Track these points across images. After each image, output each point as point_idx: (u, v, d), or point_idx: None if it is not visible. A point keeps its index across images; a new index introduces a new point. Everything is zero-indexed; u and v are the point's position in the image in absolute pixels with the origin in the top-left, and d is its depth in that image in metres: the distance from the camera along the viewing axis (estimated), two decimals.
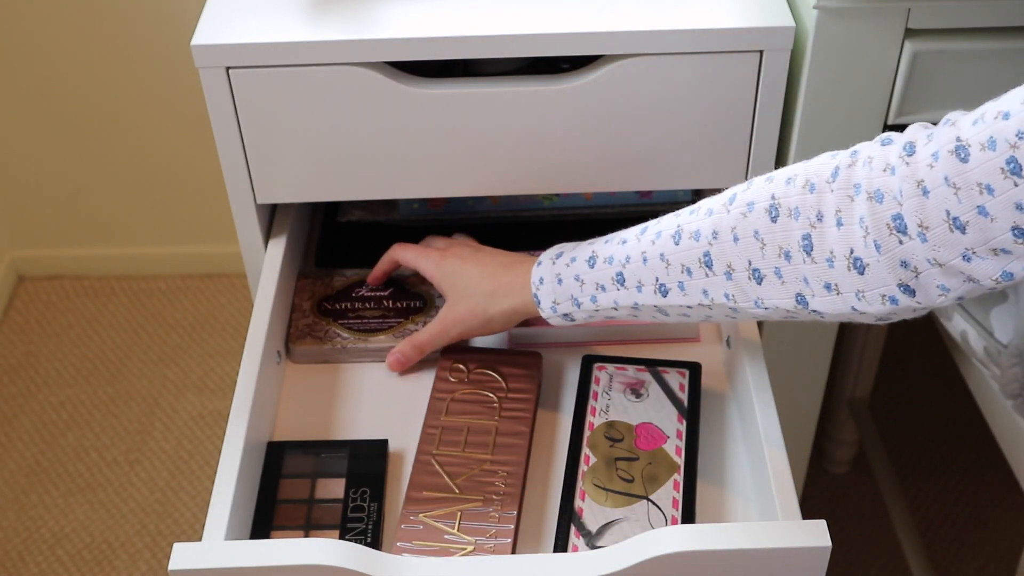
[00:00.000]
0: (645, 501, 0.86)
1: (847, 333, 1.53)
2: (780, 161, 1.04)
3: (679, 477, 0.88)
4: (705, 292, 0.80)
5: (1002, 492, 1.66)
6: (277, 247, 1.06)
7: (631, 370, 0.97)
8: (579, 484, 0.88)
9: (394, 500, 0.90)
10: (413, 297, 1.06)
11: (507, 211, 1.13)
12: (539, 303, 0.92)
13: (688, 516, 0.86)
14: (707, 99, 0.98)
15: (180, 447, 1.77)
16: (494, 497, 0.87)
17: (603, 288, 0.87)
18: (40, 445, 1.78)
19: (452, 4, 0.98)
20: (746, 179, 1.02)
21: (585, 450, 0.90)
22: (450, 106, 0.97)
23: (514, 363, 0.99)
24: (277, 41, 0.94)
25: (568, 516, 0.86)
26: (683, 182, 1.04)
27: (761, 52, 0.95)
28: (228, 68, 0.95)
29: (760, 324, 1.14)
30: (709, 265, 0.78)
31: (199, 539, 0.79)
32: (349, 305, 1.05)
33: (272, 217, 1.09)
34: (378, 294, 1.06)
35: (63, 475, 1.74)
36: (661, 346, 1.03)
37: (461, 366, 0.98)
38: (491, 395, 0.96)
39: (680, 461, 0.90)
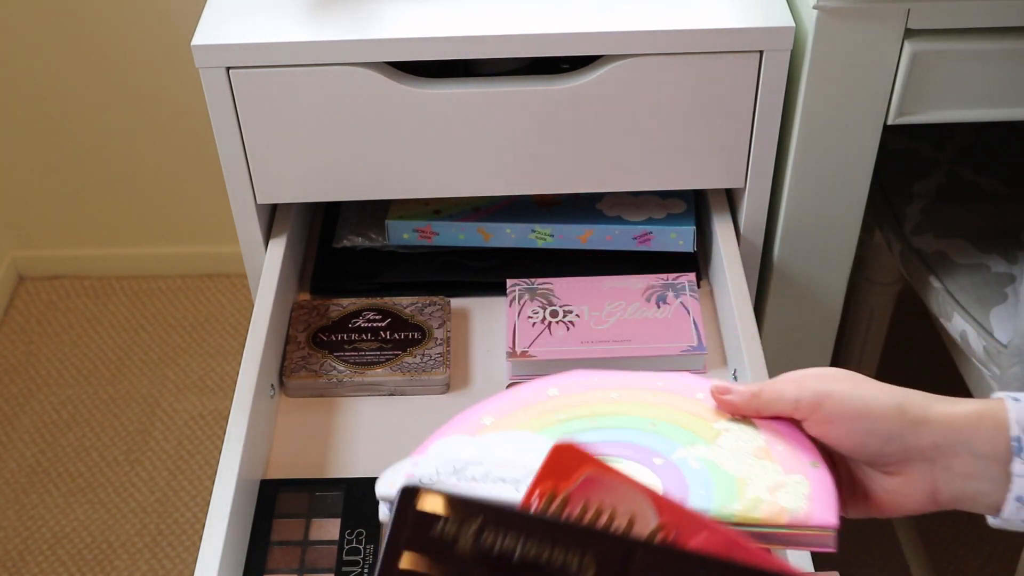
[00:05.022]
0: None
1: (847, 333, 1.53)
2: (780, 161, 1.04)
3: None
4: None
5: None
6: (277, 247, 1.06)
7: None
8: None
9: None
10: (411, 328, 1.04)
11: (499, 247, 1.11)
12: (1020, 450, 0.61)
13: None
14: (707, 99, 0.98)
15: (180, 447, 1.77)
16: None
17: None
18: (40, 445, 1.78)
19: (452, 4, 0.98)
20: (745, 179, 1.03)
21: None
22: (450, 106, 0.97)
23: None
24: (277, 41, 0.94)
25: None
26: (683, 182, 1.04)
27: (761, 52, 0.95)
28: (228, 68, 0.95)
29: (759, 321, 1.14)
30: None
31: (199, 539, 0.79)
32: (345, 336, 1.03)
33: (272, 217, 1.09)
34: (375, 325, 1.04)
35: (63, 475, 1.74)
36: None
37: None
38: None
39: None
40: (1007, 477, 0.61)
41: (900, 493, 0.65)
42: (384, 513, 0.72)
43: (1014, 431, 0.61)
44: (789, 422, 0.68)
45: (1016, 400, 0.63)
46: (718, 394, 0.70)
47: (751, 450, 0.67)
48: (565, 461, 0.60)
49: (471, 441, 0.72)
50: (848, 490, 0.67)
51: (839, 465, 0.68)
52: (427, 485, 0.60)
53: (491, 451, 0.70)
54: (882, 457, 0.64)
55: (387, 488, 0.71)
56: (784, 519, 0.63)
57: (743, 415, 0.69)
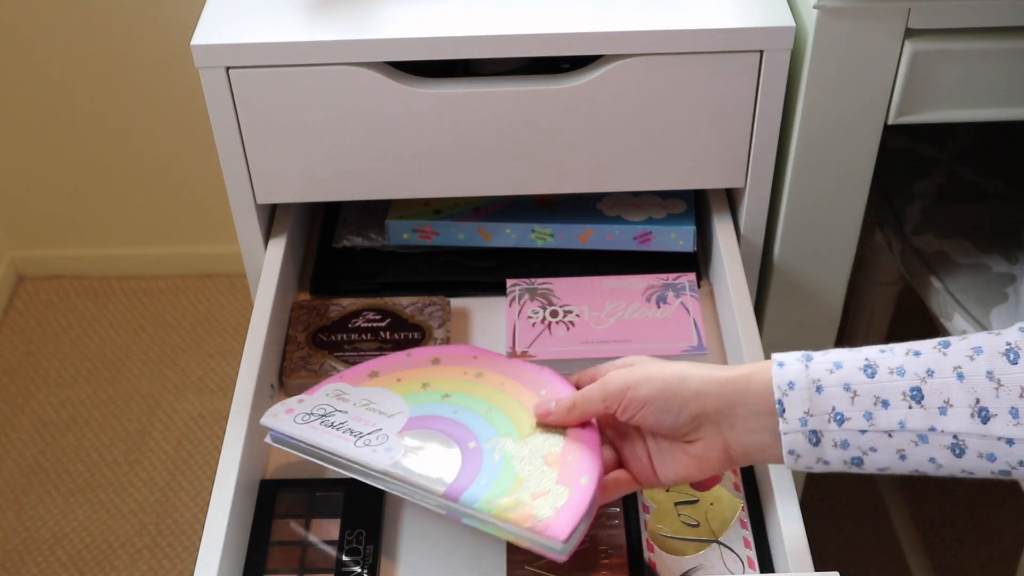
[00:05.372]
0: (716, 545, 0.84)
1: (847, 333, 1.53)
2: (780, 161, 1.04)
3: (744, 515, 0.86)
4: None
5: (1002, 492, 1.66)
6: (277, 247, 1.06)
7: None
8: (644, 535, 0.85)
9: (391, 541, 0.87)
10: (411, 328, 1.03)
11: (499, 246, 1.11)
12: (782, 411, 0.70)
13: (763, 553, 0.84)
14: (707, 99, 0.98)
15: (180, 447, 1.77)
16: (598, 533, 0.84)
17: (885, 404, 0.68)
18: (40, 445, 1.78)
19: (452, 4, 0.98)
20: (745, 179, 1.03)
21: (642, 498, 0.88)
22: (450, 106, 0.97)
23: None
24: (277, 41, 0.94)
25: (641, 571, 0.83)
26: (683, 182, 1.04)
27: (761, 52, 0.95)
28: (228, 68, 0.95)
29: (759, 321, 1.14)
30: None
31: (198, 539, 0.79)
32: (345, 336, 1.02)
33: (272, 217, 1.09)
34: (375, 325, 1.03)
35: (63, 475, 1.74)
36: None
37: None
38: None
39: (741, 498, 0.87)
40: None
41: (703, 456, 0.75)
42: (268, 440, 0.88)
43: (776, 394, 0.70)
44: (594, 431, 0.80)
45: (781, 365, 0.71)
46: (541, 418, 0.82)
47: (545, 454, 0.80)
48: None
49: (351, 390, 0.89)
50: (662, 462, 0.77)
51: (651, 442, 0.78)
52: (290, 429, 0.85)
53: (359, 405, 0.87)
54: (678, 428, 0.74)
55: (270, 419, 0.87)
56: (527, 524, 0.75)
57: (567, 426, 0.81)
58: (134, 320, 1.99)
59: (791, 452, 0.70)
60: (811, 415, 0.69)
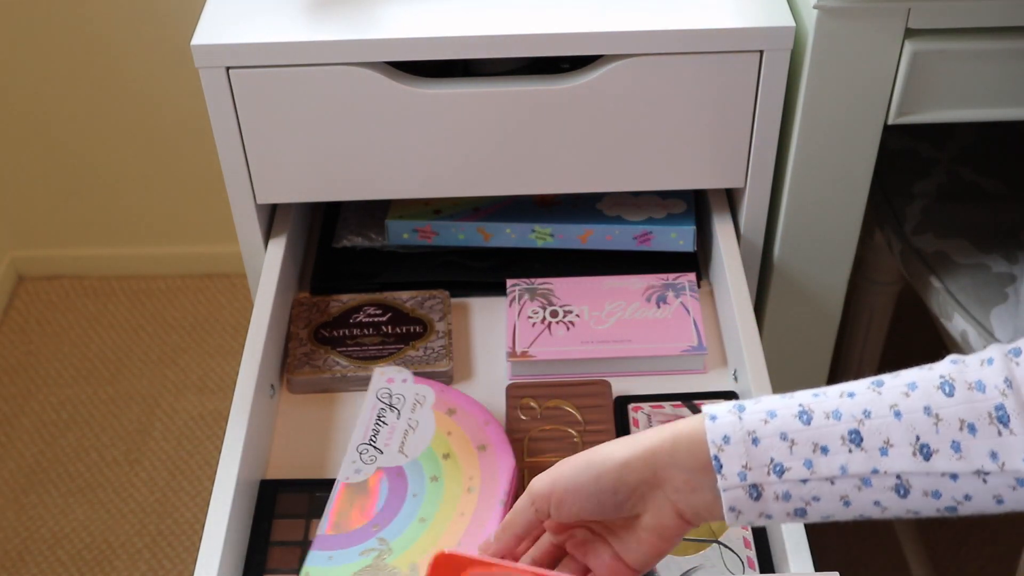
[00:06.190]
0: (716, 544, 0.84)
1: (847, 333, 1.53)
2: (780, 161, 1.04)
3: None
4: (994, 455, 0.63)
5: None
6: (277, 247, 1.06)
7: (667, 407, 0.95)
8: None
9: None
10: (413, 322, 1.04)
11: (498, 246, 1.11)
12: (720, 467, 0.66)
13: (763, 553, 0.84)
14: (707, 99, 0.98)
15: (180, 447, 1.77)
16: None
17: (825, 450, 0.65)
18: (40, 445, 1.78)
19: (452, 4, 0.98)
20: (745, 179, 1.03)
21: None
22: (450, 106, 0.97)
23: (583, 393, 0.96)
24: (277, 41, 0.94)
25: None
26: (683, 182, 1.04)
27: (761, 52, 0.95)
28: (228, 68, 0.95)
29: (759, 321, 1.14)
30: (1004, 421, 0.62)
31: (199, 539, 0.79)
32: (347, 332, 1.03)
33: (272, 217, 1.09)
34: (376, 319, 1.04)
35: (63, 475, 1.74)
36: (667, 377, 1.00)
37: (532, 402, 0.95)
38: (570, 430, 0.93)
39: None
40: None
41: (658, 527, 0.69)
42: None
43: (712, 450, 0.66)
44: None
45: (713, 419, 0.67)
46: (484, 549, 0.76)
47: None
48: (447, 570, 0.68)
49: (425, 407, 0.93)
50: (627, 550, 0.71)
51: (611, 538, 0.72)
52: (370, 397, 0.93)
53: (409, 421, 0.92)
54: (621, 507, 0.69)
55: (377, 375, 0.96)
56: None
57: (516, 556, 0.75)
58: (134, 320, 1.99)
59: (732, 509, 0.66)
60: (749, 469, 0.66)
